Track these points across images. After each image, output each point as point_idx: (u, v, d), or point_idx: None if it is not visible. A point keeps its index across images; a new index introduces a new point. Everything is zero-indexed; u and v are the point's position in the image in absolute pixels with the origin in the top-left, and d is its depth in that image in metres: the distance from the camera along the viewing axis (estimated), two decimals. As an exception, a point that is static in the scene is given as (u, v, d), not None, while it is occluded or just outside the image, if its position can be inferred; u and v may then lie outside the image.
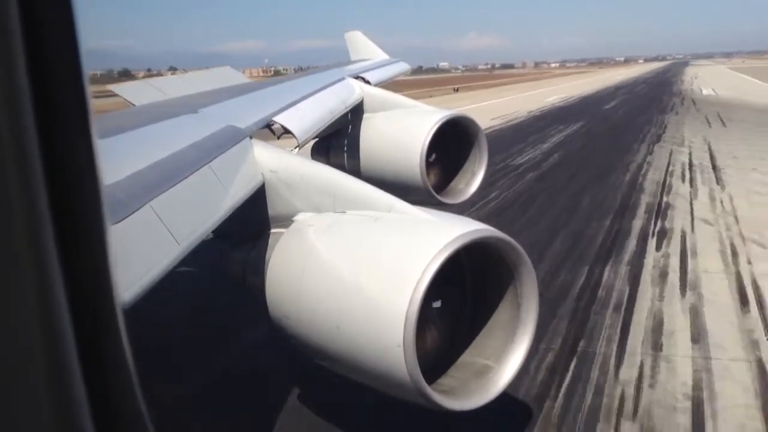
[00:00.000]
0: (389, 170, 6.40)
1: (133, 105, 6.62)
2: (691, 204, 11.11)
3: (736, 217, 10.01)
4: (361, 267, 2.91)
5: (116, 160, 2.49)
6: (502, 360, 3.07)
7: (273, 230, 3.65)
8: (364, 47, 11.65)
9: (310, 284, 3.07)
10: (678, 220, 10.04)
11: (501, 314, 3.15)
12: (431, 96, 43.78)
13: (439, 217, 3.10)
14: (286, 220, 3.55)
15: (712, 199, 11.41)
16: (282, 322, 3.29)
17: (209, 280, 6.09)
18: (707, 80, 57.65)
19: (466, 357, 3.17)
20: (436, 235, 2.82)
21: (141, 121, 3.58)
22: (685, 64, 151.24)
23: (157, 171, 2.66)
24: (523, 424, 4.53)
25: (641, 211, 10.70)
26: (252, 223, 3.78)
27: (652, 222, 9.99)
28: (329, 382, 3.75)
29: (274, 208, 3.65)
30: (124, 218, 2.14)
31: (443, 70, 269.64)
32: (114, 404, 0.75)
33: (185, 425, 4.39)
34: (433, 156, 6.30)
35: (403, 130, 6.46)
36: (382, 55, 11.34)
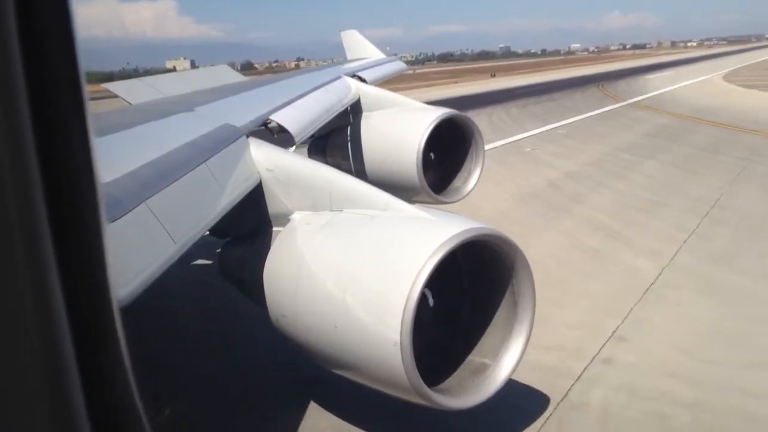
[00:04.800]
0: (386, 168, 6.38)
1: (130, 104, 6.60)
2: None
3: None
4: (358, 266, 2.90)
5: (112, 158, 2.49)
6: (499, 358, 3.07)
7: (270, 229, 3.65)
8: (360, 46, 11.63)
9: (307, 283, 3.06)
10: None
11: (498, 312, 3.15)
12: (456, 82, 48.83)
13: (436, 215, 3.10)
14: (283, 219, 3.55)
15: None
16: (279, 320, 3.28)
17: (206, 279, 6.06)
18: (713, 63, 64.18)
19: (462, 355, 3.17)
20: (432, 234, 2.82)
21: (137, 119, 3.57)
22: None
23: (154, 169, 2.65)
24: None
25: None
26: (249, 222, 3.77)
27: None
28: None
29: (270, 206, 3.65)
30: (121, 216, 2.13)
31: (570, 53, 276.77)
32: (110, 402, 0.75)
33: (182, 423, 4.38)
34: (431, 154, 6.29)
35: (399, 129, 6.44)
36: (378, 54, 11.31)
